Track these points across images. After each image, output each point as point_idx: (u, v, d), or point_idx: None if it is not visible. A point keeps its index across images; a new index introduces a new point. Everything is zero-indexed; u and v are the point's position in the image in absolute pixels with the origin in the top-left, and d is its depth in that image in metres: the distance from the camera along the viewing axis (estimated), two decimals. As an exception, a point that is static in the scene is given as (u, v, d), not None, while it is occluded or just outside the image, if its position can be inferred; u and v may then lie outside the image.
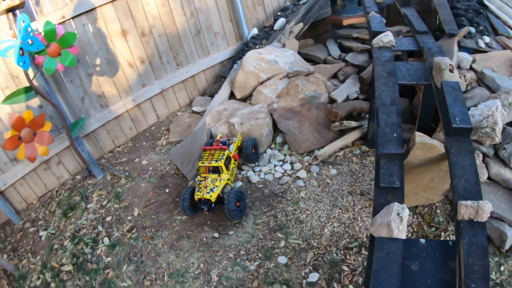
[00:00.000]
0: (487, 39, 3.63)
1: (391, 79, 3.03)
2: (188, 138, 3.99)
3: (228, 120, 3.77)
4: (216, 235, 3.06)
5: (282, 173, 3.47)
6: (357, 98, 3.92)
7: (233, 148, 3.47)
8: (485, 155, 2.90)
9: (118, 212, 3.52)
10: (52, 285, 3.08)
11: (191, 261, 2.91)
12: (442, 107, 2.47)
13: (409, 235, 2.77)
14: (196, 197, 3.10)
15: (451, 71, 2.99)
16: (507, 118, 2.86)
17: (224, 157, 3.28)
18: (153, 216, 3.38)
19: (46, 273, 3.17)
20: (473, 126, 2.80)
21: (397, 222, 2.04)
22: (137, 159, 4.10)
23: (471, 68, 3.34)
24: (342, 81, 4.22)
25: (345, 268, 2.62)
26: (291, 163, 3.55)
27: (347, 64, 4.41)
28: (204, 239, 3.06)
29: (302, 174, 3.40)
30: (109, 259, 3.14)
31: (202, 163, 3.29)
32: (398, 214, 2.06)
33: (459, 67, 3.33)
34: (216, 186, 3.14)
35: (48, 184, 4.01)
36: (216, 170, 3.24)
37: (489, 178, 2.85)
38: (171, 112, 4.75)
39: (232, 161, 3.43)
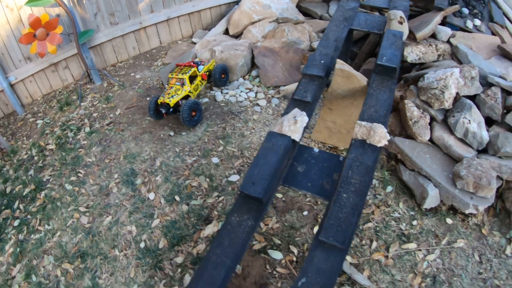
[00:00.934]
0: (477, 22, 3.63)
1: (345, 23, 3.30)
2: (177, 59, 4.47)
3: (212, 48, 4.20)
4: (172, 133, 3.61)
5: (245, 98, 3.89)
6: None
7: (202, 68, 3.90)
8: (432, 118, 3.00)
9: (104, 110, 4.12)
10: (36, 158, 3.75)
11: (145, 149, 3.45)
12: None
13: None
14: (159, 101, 3.58)
15: (400, 23, 3.22)
16: (466, 90, 2.94)
17: (190, 72, 3.75)
18: (129, 116, 3.94)
19: (33, 149, 3.85)
20: (424, 86, 2.97)
21: (291, 122, 2.31)
22: (133, 74, 4.66)
23: (448, 42, 3.43)
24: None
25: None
26: (256, 93, 3.95)
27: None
28: (162, 135, 3.60)
29: (262, 102, 3.80)
30: (84, 142, 3.75)
31: (171, 75, 3.82)
32: (295, 117, 2.33)
33: (435, 38, 3.43)
34: (177, 94, 3.61)
35: (53, 84, 4.68)
36: (181, 82, 3.70)
37: (431, 140, 2.96)
38: (173, 40, 5.23)
39: (199, 78, 3.87)
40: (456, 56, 3.30)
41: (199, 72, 3.88)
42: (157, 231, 2.75)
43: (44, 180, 3.42)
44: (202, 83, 3.98)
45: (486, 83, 2.99)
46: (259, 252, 2.49)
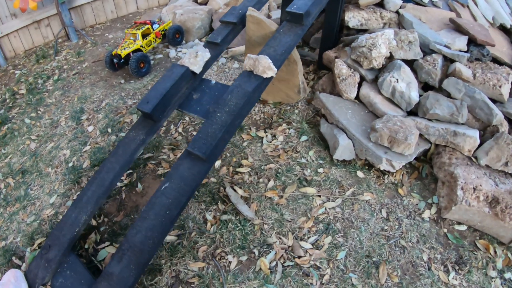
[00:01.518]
0: (436, -1, 3.47)
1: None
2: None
3: (174, 11, 4.59)
4: (122, 81, 4.06)
5: (195, 57, 4.25)
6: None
7: (157, 27, 4.33)
8: (363, 78, 3.00)
9: (74, 63, 4.60)
10: (7, 100, 4.26)
11: (96, 93, 3.91)
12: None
13: (258, 119, 3.29)
14: (113, 52, 3.99)
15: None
16: (402, 53, 2.93)
17: (143, 29, 4.19)
18: (93, 68, 4.41)
19: (6, 94, 4.36)
20: (355, 45, 2.98)
21: (192, 56, 2.64)
22: (107, 34, 5.12)
23: (396, 12, 3.34)
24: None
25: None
26: None
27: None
28: (114, 83, 4.05)
29: None
30: (50, 87, 4.24)
31: (128, 30, 4.26)
32: (196, 52, 2.66)
33: (383, 7, 3.37)
34: (129, 47, 4.03)
35: (35, 41, 5.19)
36: (134, 37, 4.14)
37: (358, 99, 2.97)
38: (150, 6, 5.65)
39: (152, 35, 4.30)
40: (402, 25, 3.27)
41: (154, 30, 4.29)
42: (85, 155, 3.19)
43: (10, 116, 3.93)
44: (156, 41, 4.39)
45: (430, 52, 2.98)
46: (161, 176, 2.85)
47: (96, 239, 2.53)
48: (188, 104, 2.59)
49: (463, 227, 2.41)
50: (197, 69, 2.62)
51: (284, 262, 2.23)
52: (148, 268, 2.28)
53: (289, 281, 2.14)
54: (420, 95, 2.85)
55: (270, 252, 2.27)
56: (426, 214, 2.45)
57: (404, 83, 2.77)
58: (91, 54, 4.69)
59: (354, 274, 2.17)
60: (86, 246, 2.50)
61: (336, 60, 3.12)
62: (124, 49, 3.98)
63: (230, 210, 2.51)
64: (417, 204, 2.50)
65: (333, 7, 3.25)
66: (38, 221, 2.78)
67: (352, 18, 3.31)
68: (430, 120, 2.70)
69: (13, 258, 2.56)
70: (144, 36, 4.26)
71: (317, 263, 2.22)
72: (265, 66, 2.32)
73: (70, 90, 4.08)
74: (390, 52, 2.97)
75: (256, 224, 2.42)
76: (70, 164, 3.15)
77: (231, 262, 2.26)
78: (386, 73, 2.85)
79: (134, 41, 4.13)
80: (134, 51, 4.05)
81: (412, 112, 2.88)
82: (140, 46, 4.12)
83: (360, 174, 2.67)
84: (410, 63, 2.98)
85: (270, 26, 2.82)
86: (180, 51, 4.40)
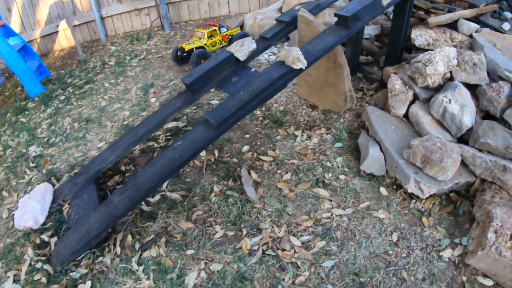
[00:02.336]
0: (517, 26, 3.36)
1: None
2: (233, 23, 5.46)
3: (256, 16, 5.02)
4: (181, 76, 4.51)
5: (265, 58, 4.58)
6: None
7: (224, 31, 4.75)
8: (416, 96, 2.86)
9: (161, 49, 5.33)
10: (97, 67, 5.08)
11: (169, 74, 4.58)
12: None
13: (302, 121, 3.43)
14: (179, 46, 4.47)
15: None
16: (464, 76, 2.73)
17: (210, 29, 4.64)
18: (170, 60, 5.02)
19: (98, 63, 5.23)
20: (412, 61, 2.89)
21: (239, 44, 2.96)
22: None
23: (470, 36, 3.28)
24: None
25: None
26: (277, 57, 4.62)
27: None
28: (187, 69, 4.61)
29: None
30: (134, 64, 4.99)
31: (197, 29, 4.75)
32: (244, 42, 2.98)
33: (455, 29, 3.34)
34: (194, 43, 4.51)
35: (134, 25, 6.10)
36: (201, 35, 4.61)
37: (407, 117, 2.85)
38: (241, 12, 6.20)
39: (218, 37, 4.72)
40: (473, 49, 3.06)
41: (220, 33, 4.73)
42: (140, 118, 3.69)
43: (94, 79, 4.72)
44: (221, 43, 4.78)
45: (498, 79, 2.74)
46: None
47: (118, 181, 2.91)
48: (225, 85, 2.87)
49: (489, 282, 1.96)
50: (241, 56, 2.90)
51: (266, 250, 2.23)
52: (145, 213, 2.54)
53: (262, 268, 2.13)
54: (477, 123, 2.59)
55: (257, 236, 2.32)
56: (447, 254, 2.12)
57: (458, 105, 2.52)
58: (178, 43, 5.34)
59: (333, 286, 2.04)
60: (108, 183, 2.88)
61: (392, 75, 3.03)
62: (189, 44, 4.47)
63: (237, 188, 2.64)
64: (439, 240, 2.21)
65: (398, 23, 3.26)
66: (82, 158, 3.29)
67: (419, 36, 3.25)
68: (480, 150, 2.39)
69: (52, 178, 3.09)
70: (211, 36, 4.66)
71: (298, 262, 2.15)
72: (295, 57, 2.46)
73: (149, 68, 4.74)
74: (451, 73, 2.79)
75: (256, 207, 2.50)
76: (126, 123, 3.67)
77: (217, 232, 2.37)
78: (440, 94, 2.64)
79: (200, 39, 4.59)
80: (197, 48, 4.49)
81: (463, 140, 2.61)
82: (204, 44, 4.55)
83: (383, 191, 2.52)
84: (473, 88, 2.76)
85: (317, 27, 2.96)
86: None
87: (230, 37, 4.86)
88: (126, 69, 4.82)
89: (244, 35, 4.73)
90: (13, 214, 2.86)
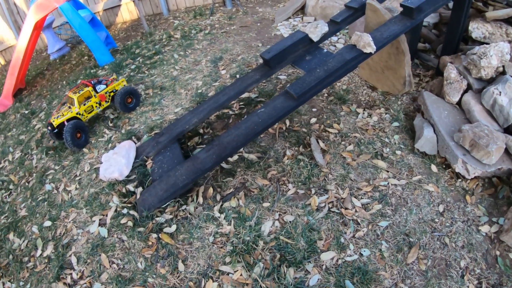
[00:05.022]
0: None
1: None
2: (289, 3, 5.88)
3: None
4: (260, 44, 4.99)
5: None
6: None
7: (103, 88, 3.97)
8: (470, 86, 3.15)
9: (224, 25, 5.81)
10: (163, 40, 5.64)
11: (236, 49, 4.97)
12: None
13: (363, 100, 3.79)
14: (48, 121, 3.68)
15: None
16: None
17: (82, 92, 3.79)
18: (239, 31, 5.53)
19: (164, 35, 5.81)
20: (468, 52, 3.22)
21: (313, 26, 3.36)
22: (258, 7, 6.24)
23: None
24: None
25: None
26: (339, 38, 5.01)
27: None
28: (252, 45, 5.02)
29: (338, 45, 4.87)
30: (200, 38, 5.50)
31: (68, 93, 3.92)
32: (317, 24, 3.38)
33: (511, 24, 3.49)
34: (63, 115, 3.70)
35: (196, 1, 6.60)
36: (71, 102, 3.78)
37: (459, 105, 3.15)
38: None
39: (94, 100, 3.91)
40: None
41: (96, 92, 3.92)
42: (213, 88, 4.18)
43: (163, 51, 5.28)
44: (100, 105, 4.00)
45: None
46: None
47: (198, 141, 3.44)
48: (299, 62, 3.30)
49: (519, 259, 2.26)
50: (315, 37, 3.32)
51: (332, 208, 2.67)
52: (225, 170, 3.05)
53: (328, 222, 2.57)
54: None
55: (324, 195, 2.76)
56: (484, 229, 2.46)
57: (507, 98, 2.83)
58: (240, 20, 5.83)
59: (386, 243, 2.44)
60: (189, 144, 3.42)
61: (448, 64, 3.36)
62: (57, 117, 3.73)
63: (307, 154, 3.09)
64: (479, 216, 2.54)
65: (457, 15, 3.51)
66: (160, 120, 3.84)
67: (476, 29, 3.49)
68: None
69: (133, 137, 3.66)
70: (85, 101, 3.89)
71: (358, 220, 2.58)
72: (366, 42, 2.85)
73: (216, 43, 5.25)
74: (503, 67, 3.09)
75: (323, 171, 2.94)
76: (199, 91, 4.18)
77: (289, 189, 2.83)
78: (491, 86, 2.97)
79: (69, 108, 3.83)
80: (69, 120, 3.78)
81: (509, 131, 2.91)
82: (77, 113, 3.81)
83: (434, 168, 2.87)
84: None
85: (384, 15, 3.26)
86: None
87: (112, 93, 4.10)
88: (193, 42, 5.36)
89: (131, 90, 4.12)
90: (96, 168, 3.43)
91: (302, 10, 5.69)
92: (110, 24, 7.18)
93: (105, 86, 4.01)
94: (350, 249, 2.40)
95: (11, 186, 3.77)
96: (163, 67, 4.89)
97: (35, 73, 7.06)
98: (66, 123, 3.74)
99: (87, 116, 3.93)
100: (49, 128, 3.76)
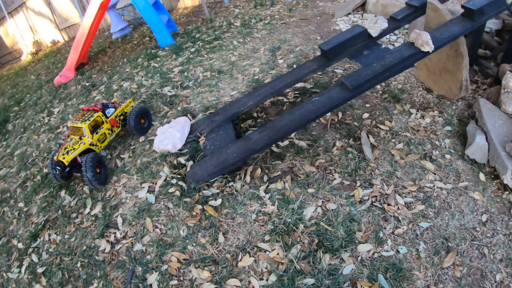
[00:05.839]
0: None
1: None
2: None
3: None
4: (318, 37, 5.13)
5: (386, 37, 5.06)
6: None
7: (112, 112, 3.58)
8: None
9: (284, 16, 6.00)
10: (223, 26, 5.92)
11: (294, 40, 5.09)
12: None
13: (417, 101, 3.84)
14: (54, 158, 3.18)
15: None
16: None
17: (91, 119, 3.35)
18: (298, 23, 5.67)
19: (224, 22, 6.13)
20: None
21: (372, 21, 3.46)
22: (318, 1, 6.36)
23: None
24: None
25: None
26: (398, 38, 5.06)
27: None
28: (311, 37, 5.18)
29: (396, 44, 4.91)
30: (260, 27, 5.73)
31: (71, 122, 3.39)
32: (377, 20, 3.47)
33: None
34: (74, 149, 3.21)
35: None
36: (80, 133, 3.33)
37: None
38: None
39: (106, 126, 3.51)
40: None
41: (106, 117, 3.53)
42: (269, 75, 4.37)
43: (222, 37, 5.54)
44: (112, 132, 3.63)
45: None
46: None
47: (251, 124, 3.64)
48: (357, 56, 3.40)
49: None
50: (374, 32, 3.41)
51: (375, 202, 2.75)
52: (275, 153, 3.22)
53: (369, 215, 2.66)
54: None
55: (369, 189, 2.85)
56: None
57: None
58: (300, 13, 5.99)
59: (424, 244, 2.49)
60: (242, 125, 3.63)
61: (508, 72, 3.32)
62: (68, 152, 3.26)
63: (356, 146, 3.19)
64: None
65: None
66: (216, 102, 4.08)
67: None
68: None
69: (188, 114, 3.94)
70: (95, 129, 3.46)
71: (400, 217, 2.64)
72: (424, 41, 2.91)
73: (275, 33, 5.44)
74: None
75: (370, 166, 3.02)
76: (256, 77, 4.38)
77: (335, 179, 2.95)
78: None
79: (81, 138, 3.39)
80: (82, 153, 3.37)
81: None
82: (90, 144, 3.40)
83: (482, 177, 2.87)
84: None
85: (445, 15, 3.27)
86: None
87: (122, 116, 3.74)
88: (252, 31, 5.58)
89: (144, 110, 3.80)
90: (150, 139, 3.69)
91: (362, 6, 5.74)
92: (172, 9, 7.56)
93: (113, 109, 3.63)
94: (387, 245, 2.48)
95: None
96: (222, 52, 5.15)
97: (97, 50, 7.58)
98: (78, 158, 3.29)
99: (100, 147, 3.51)
100: (58, 167, 3.27)
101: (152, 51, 5.95)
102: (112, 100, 4.03)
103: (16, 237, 3.52)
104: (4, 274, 3.21)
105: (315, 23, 5.57)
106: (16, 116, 6.20)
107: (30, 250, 3.27)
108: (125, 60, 6.31)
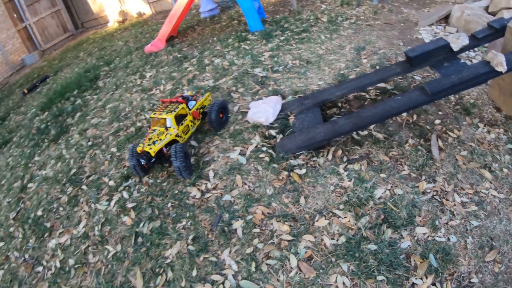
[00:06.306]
0: None
1: None
2: (440, 10, 6.33)
3: (463, 10, 5.77)
4: (401, 44, 5.59)
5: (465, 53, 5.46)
6: None
7: (194, 104, 3.68)
8: None
9: (369, 18, 6.46)
10: (310, 20, 6.52)
11: (378, 43, 5.59)
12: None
13: (486, 117, 4.17)
14: (138, 149, 3.22)
15: None
16: None
17: (177, 110, 3.43)
18: (383, 26, 6.14)
19: (311, 16, 6.71)
20: None
21: (455, 37, 3.90)
22: (403, 8, 6.77)
23: None
24: None
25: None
26: (476, 55, 5.45)
27: None
28: (394, 42, 5.68)
29: (475, 60, 5.31)
30: (346, 25, 6.22)
31: (154, 114, 3.48)
32: (459, 36, 3.90)
33: None
34: (160, 139, 3.26)
35: None
36: (165, 124, 3.39)
37: None
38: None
39: (189, 118, 3.61)
40: None
41: (189, 109, 3.61)
42: (354, 72, 4.90)
43: (310, 30, 6.14)
44: (193, 125, 3.74)
45: None
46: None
47: (335, 112, 4.23)
48: (438, 66, 3.88)
49: None
50: (455, 47, 3.86)
51: (435, 195, 3.22)
52: (355, 140, 3.80)
53: (429, 205, 3.12)
54: None
55: (432, 184, 3.33)
56: None
57: None
58: (385, 17, 6.42)
59: (472, 238, 2.80)
60: (327, 112, 4.24)
61: None
62: (154, 142, 3.32)
63: (425, 146, 3.65)
64: None
65: None
66: (304, 88, 4.69)
67: None
68: None
69: (278, 94, 4.56)
70: (178, 120, 3.54)
71: (455, 212, 3.07)
72: (499, 62, 3.31)
73: (360, 33, 5.92)
74: None
75: (436, 165, 3.49)
76: (342, 72, 4.93)
77: (404, 170, 3.46)
78: None
79: (166, 129, 3.47)
80: (168, 144, 3.46)
81: None
82: (176, 135, 3.49)
83: None
84: None
85: None
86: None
87: (202, 110, 3.86)
88: (338, 28, 6.11)
89: (222, 104, 3.93)
90: (242, 111, 4.26)
91: (445, 19, 6.07)
92: (261, -3, 8.19)
93: (194, 102, 3.74)
94: (441, 232, 2.86)
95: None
96: (310, 44, 5.75)
97: (186, 26, 8.38)
98: (164, 149, 3.37)
99: (184, 138, 3.60)
100: (144, 157, 3.32)
101: (242, 34, 6.62)
102: (189, 93, 4.21)
103: (107, 176, 4.05)
104: (93, 205, 3.79)
105: (399, 29, 6.00)
106: (107, 75, 6.99)
107: (121, 188, 3.76)
108: (215, 39, 7.02)
